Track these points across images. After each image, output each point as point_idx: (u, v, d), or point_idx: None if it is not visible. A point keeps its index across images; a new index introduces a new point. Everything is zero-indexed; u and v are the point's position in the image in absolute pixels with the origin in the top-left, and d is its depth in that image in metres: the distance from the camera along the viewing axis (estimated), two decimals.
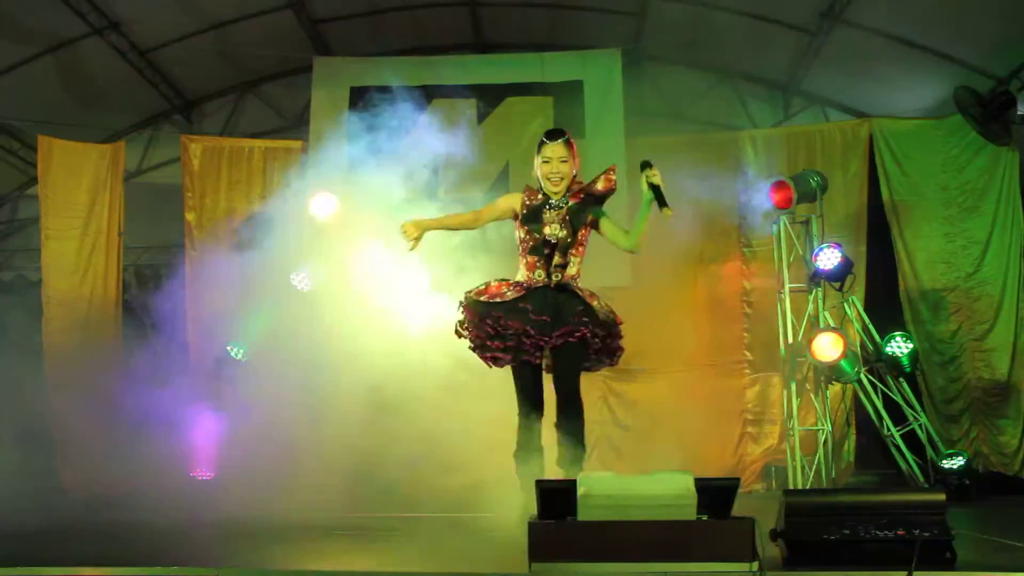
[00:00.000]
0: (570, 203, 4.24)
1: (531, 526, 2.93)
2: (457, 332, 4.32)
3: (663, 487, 2.93)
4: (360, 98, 8.09)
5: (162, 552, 3.93)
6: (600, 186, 4.25)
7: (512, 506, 4.15)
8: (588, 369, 4.31)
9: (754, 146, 8.02)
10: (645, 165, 4.15)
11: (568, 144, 4.26)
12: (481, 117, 8.33)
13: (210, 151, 8.38)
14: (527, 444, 4.22)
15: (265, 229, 7.74)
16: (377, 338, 7.68)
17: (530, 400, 4.21)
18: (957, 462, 6.60)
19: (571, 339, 4.09)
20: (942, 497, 3.00)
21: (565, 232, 4.18)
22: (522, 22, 8.81)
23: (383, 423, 7.74)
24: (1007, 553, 3.54)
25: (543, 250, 4.19)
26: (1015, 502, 6.55)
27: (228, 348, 7.07)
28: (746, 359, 7.95)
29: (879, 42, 7.67)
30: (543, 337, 4.08)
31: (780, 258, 7.19)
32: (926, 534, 2.84)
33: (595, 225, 4.30)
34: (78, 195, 7.99)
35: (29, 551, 3.95)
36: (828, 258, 6.81)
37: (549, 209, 4.23)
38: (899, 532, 2.87)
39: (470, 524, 4.75)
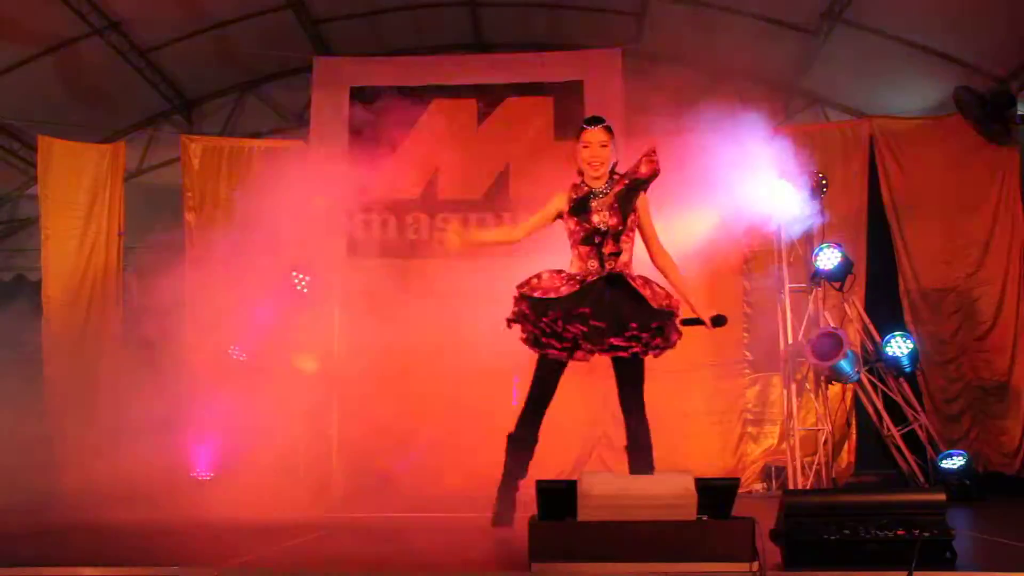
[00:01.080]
0: (616, 190, 4.17)
1: (531, 526, 2.93)
2: (509, 323, 4.20)
3: (663, 487, 2.93)
4: (360, 98, 8.10)
5: (162, 552, 3.93)
6: (644, 169, 4.18)
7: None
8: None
9: (754, 146, 8.00)
10: (719, 322, 4.32)
11: (608, 130, 4.21)
12: (481, 117, 8.33)
13: (210, 151, 8.37)
14: (525, 434, 4.20)
15: (265, 229, 7.75)
16: (377, 337, 7.69)
17: (543, 391, 4.18)
18: (957, 462, 6.60)
19: (622, 354, 4.04)
20: (942, 497, 3.00)
21: (616, 219, 4.12)
22: (522, 22, 8.81)
23: (385, 423, 7.75)
24: (1007, 553, 3.54)
25: (594, 239, 4.12)
26: (1015, 502, 6.54)
27: (228, 348, 7.07)
28: (746, 359, 7.95)
29: (879, 42, 7.68)
30: (599, 340, 4.03)
31: (780, 258, 7.20)
32: (926, 534, 2.84)
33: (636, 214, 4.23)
34: (78, 195, 7.98)
35: (29, 551, 3.95)
36: (828, 258, 6.82)
37: (595, 198, 4.18)
38: (899, 532, 2.87)
39: (470, 524, 4.75)
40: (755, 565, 2.78)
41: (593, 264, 4.12)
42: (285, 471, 7.24)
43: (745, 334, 7.96)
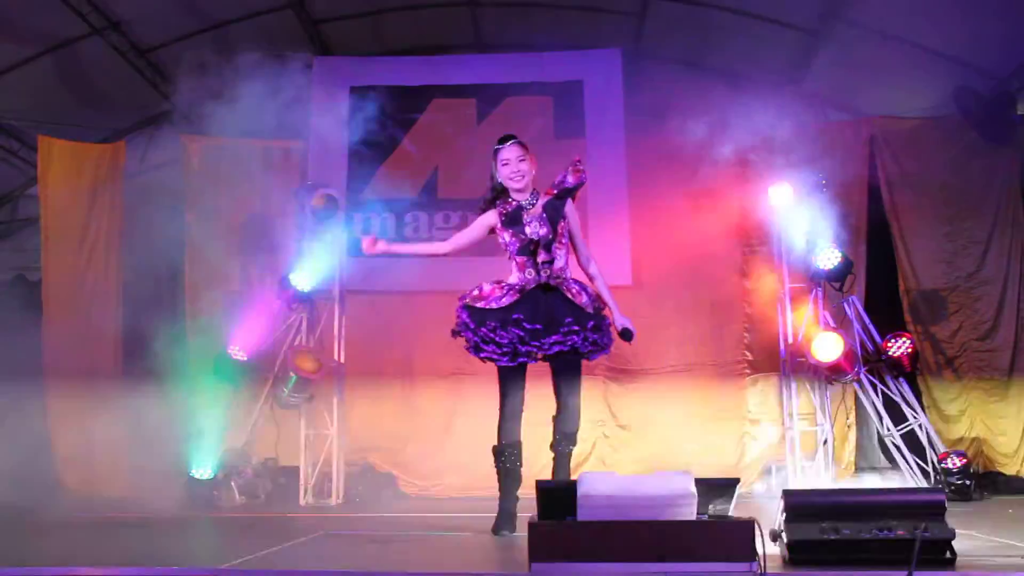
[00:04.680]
0: (544, 200, 4.40)
1: (531, 526, 2.93)
2: (454, 333, 4.44)
3: (663, 487, 2.93)
4: (360, 98, 8.09)
5: (162, 552, 3.94)
6: (571, 178, 4.42)
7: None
8: (587, 359, 4.42)
9: (754, 146, 8.00)
10: (626, 336, 4.42)
11: (522, 145, 4.46)
12: (481, 117, 8.32)
13: (210, 151, 8.35)
14: (507, 442, 4.37)
15: (265, 229, 7.76)
16: (377, 335, 7.68)
17: (512, 400, 4.37)
18: (957, 462, 6.59)
19: (563, 348, 4.23)
20: (942, 497, 3.01)
21: (546, 229, 4.33)
22: (522, 22, 8.79)
23: (386, 423, 7.75)
24: (1007, 553, 3.54)
25: (529, 248, 4.32)
26: (1015, 502, 6.54)
27: (228, 347, 7.07)
28: (746, 359, 7.94)
29: (879, 42, 7.66)
30: (536, 343, 4.24)
31: (780, 258, 7.19)
32: (926, 534, 2.85)
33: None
34: (78, 195, 7.96)
35: (29, 551, 3.96)
36: (828, 258, 6.81)
37: (526, 209, 4.39)
38: (899, 532, 2.87)
39: (470, 524, 4.76)
40: (755, 565, 2.78)
41: (530, 273, 4.34)
42: (283, 471, 7.25)
43: (745, 334, 7.95)
